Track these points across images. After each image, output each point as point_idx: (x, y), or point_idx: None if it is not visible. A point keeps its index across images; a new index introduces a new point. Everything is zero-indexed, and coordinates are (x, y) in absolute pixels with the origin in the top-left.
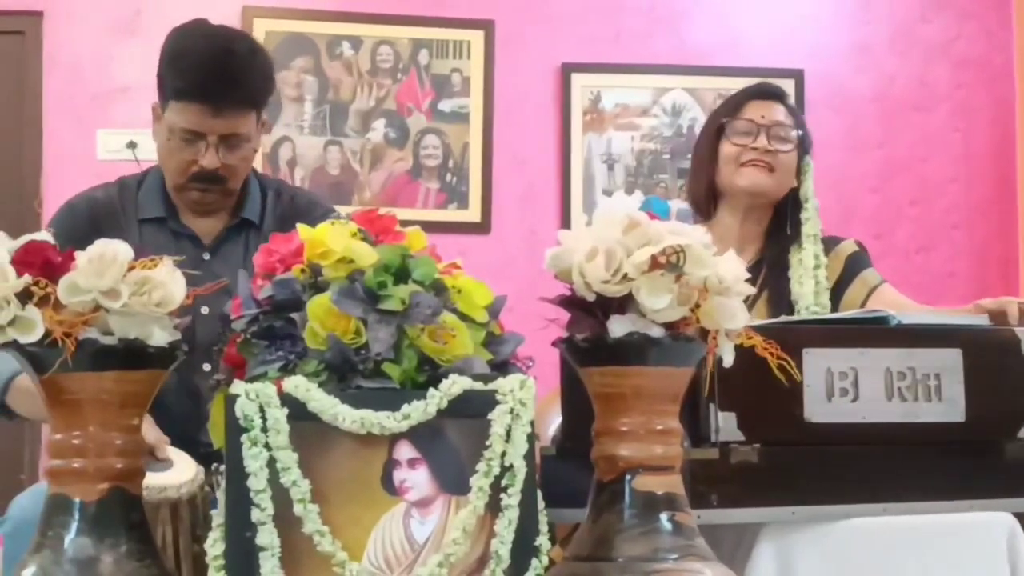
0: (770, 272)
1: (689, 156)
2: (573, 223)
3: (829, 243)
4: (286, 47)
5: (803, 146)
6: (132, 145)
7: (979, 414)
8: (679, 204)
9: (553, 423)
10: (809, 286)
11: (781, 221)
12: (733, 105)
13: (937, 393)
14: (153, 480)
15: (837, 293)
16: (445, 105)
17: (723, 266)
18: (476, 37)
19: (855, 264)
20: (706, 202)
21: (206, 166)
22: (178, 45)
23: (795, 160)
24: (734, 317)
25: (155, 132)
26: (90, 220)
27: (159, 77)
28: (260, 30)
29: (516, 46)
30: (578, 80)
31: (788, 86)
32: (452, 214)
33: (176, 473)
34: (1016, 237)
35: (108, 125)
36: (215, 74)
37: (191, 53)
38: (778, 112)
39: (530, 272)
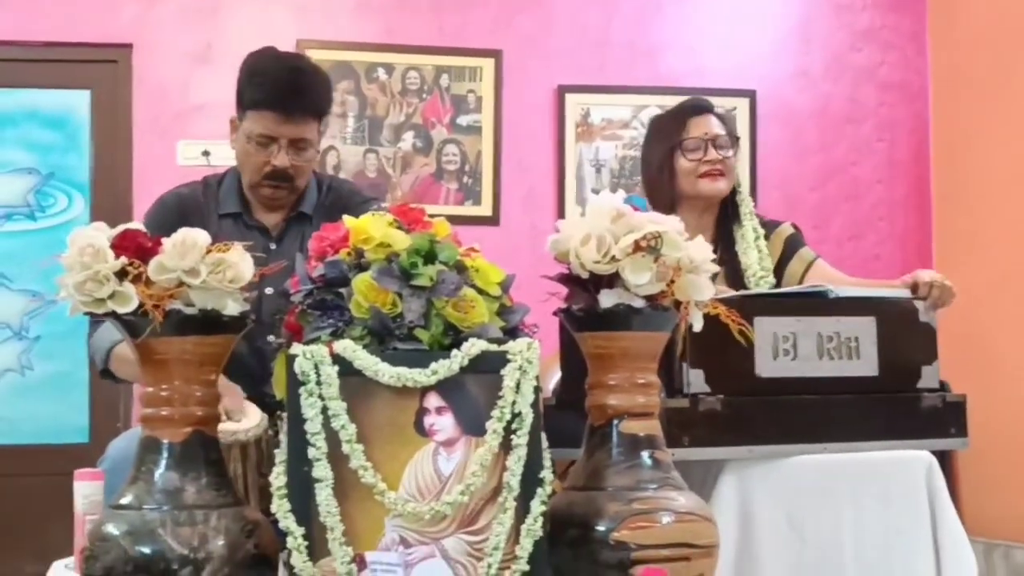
0: (723, 251)
1: None
2: (567, 216)
3: (770, 226)
4: (332, 73)
5: (735, 143)
6: (206, 153)
7: (887, 369)
8: None
9: (553, 378)
10: (753, 255)
11: (725, 207)
12: (677, 125)
13: (856, 352)
14: (226, 426)
15: (779, 269)
16: (462, 120)
17: (693, 249)
18: (488, 64)
19: (793, 244)
20: (667, 206)
21: (278, 165)
22: (254, 65)
23: (734, 159)
24: (702, 291)
25: (233, 140)
26: (178, 212)
27: (238, 93)
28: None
29: (520, 71)
30: (571, 99)
31: (743, 104)
32: (468, 210)
33: (245, 420)
34: (930, 227)
35: (186, 137)
36: (285, 88)
37: (265, 71)
38: (714, 124)
39: (531, 257)
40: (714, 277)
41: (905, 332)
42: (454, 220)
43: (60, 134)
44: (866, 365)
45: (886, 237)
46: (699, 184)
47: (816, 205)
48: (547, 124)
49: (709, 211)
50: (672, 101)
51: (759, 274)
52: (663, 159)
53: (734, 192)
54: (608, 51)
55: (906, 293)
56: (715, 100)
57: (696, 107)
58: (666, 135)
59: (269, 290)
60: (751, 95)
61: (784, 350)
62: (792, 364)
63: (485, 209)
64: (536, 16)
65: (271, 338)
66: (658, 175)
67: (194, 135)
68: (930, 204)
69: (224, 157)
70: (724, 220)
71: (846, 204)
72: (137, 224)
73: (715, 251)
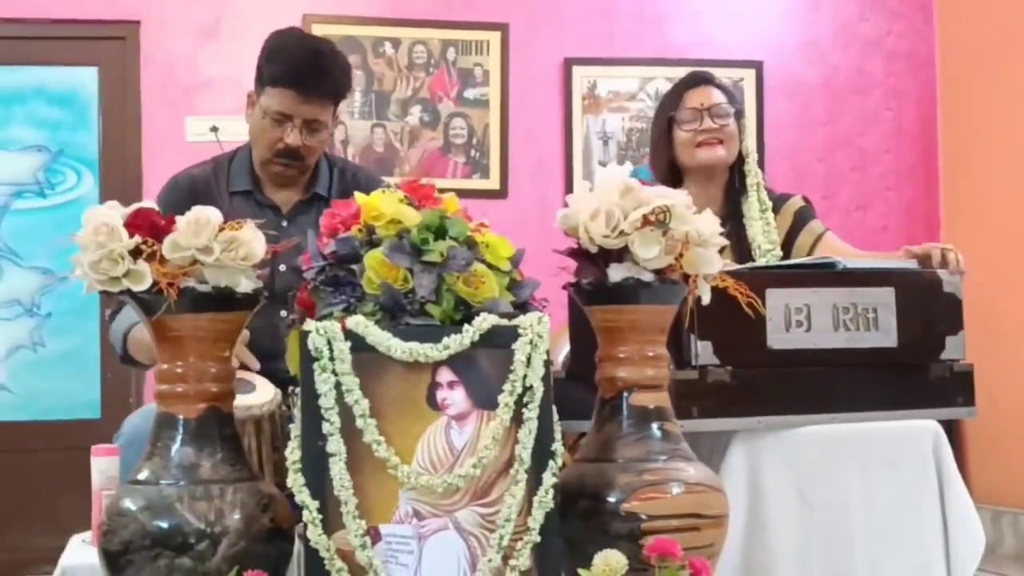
0: (731, 224)
1: None
2: (575, 189)
3: (780, 200)
4: (339, 47)
5: (738, 114)
6: (215, 129)
7: (908, 340)
8: None
9: (562, 351)
10: (759, 227)
11: (733, 181)
12: (675, 99)
13: (875, 324)
14: (240, 401)
15: (788, 242)
16: (469, 93)
17: (701, 223)
18: (494, 37)
19: (802, 216)
20: (671, 180)
21: (290, 144)
22: (276, 43)
23: (736, 128)
24: (711, 264)
25: (248, 115)
26: (190, 192)
27: (258, 68)
28: (317, 33)
29: (527, 44)
30: (578, 72)
31: (750, 75)
32: (476, 183)
33: (259, 395)
34: (938, 197)
35: (194, 113)
36: (306, 68)
37: (287, 50)
38: (712, 94)
39: (540, 230)
40: (721, 250)
41: (928, 303)
42: (462, 194)
43: (69, 111)
44: (885, 336)
45: (894, 207)
46: (697, 154)
47: (824, 176)
48: (554, 97)
49: (715, 182)
50: (679, 73)
51: (764, 246)
52: (660, 132)
53: (742, 162)
54: (615, 23)
55: (914, 264)
56: (722, 71)
57: (694, 79)
58: (664, 109)
59: (282, 267)
60: (758, 66)
61: (797, 321)
62: (805, 336)
63: (493, 182)
64: None
65: (284, 313)
66: (656, 148)
67: (203, 111)
68: (937, 174)
69: (233, 132)
70: (731, 192)
71: (854, 174)
72: (150, 203)
73: (722, 224)
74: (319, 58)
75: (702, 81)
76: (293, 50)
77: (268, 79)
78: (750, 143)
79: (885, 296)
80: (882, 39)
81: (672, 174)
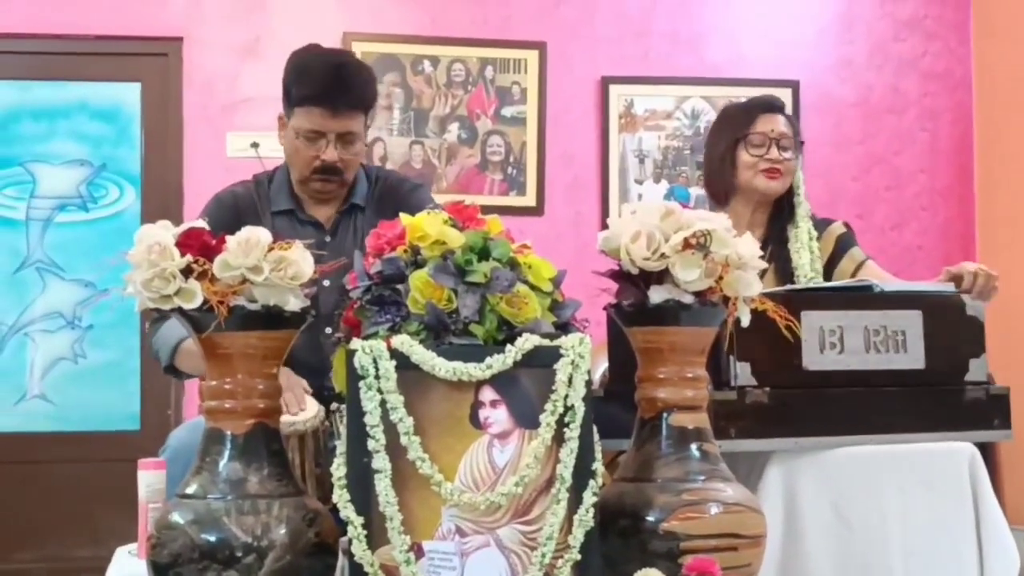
0: (775, 248)
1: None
2: (611, 207)
3: (821, 224)
4: (378, 65)
5: (799, 146)
6: (255, 145)
7: (935, 363)
8: (697, 191)
9: (598, 369)
10: (806, 257)
11: (781, 206)
12: (745, 119)
13: (903, 346)
14: (284, 417)
15: (829, 267)
16: (507, 111)
17: (742, 246)
18: (532, 56)
19: (844, 243)
20: (724, 195)
21: (327, 160)
22: (299, 63)
23: (795, 162)
24: (750, 287)
25: (281, 137)
26: (235, 209)
27: (284, 90)
28: (357, 51)
29: (564, 63)
30: (615, 90)
31: (786, 94)
32: (512, 200)
33: (302, 411)
34: (973, 216)
35: (235, 129)
36: (331, 84)
37: (311, 69)
38: (781, 123)
39: (576, 247)
40: (763, 274)
41: (952, 325)
42: (498, 210)
43: (112, 126)
44: (913, 358)
45: (928, 226)
46: (756, 180)
47: (858, 195)
48: (590, 115)
49: (762, 207)
50: (715, 92)
51: (809, 275)
52: (726, 149)
53: (791, 192)
54: (651, 41)
55: (951, 287)
56: (758, 90)
57: (768, 104)
58: (734, 126)
59: (326, 283)
60: (794, 85)
61: (831, 343)
62: (839, 357)
63: (529, 200)
64: (579, 6)
65: (328, 330)
66: (719, 164)
67: (243, 127)
68: (973, 193)
69: (272, 149)
70: (778, 217)
71: (888, 193)
72: (201, 223)
73: (765, 248)
74: (342, 72)
75: (774, 108)
76: (315, 68)
77: (296, 99)
78: (801, 176)
79: (912, 319)
80: (918, 59)
81: (727, 191)
